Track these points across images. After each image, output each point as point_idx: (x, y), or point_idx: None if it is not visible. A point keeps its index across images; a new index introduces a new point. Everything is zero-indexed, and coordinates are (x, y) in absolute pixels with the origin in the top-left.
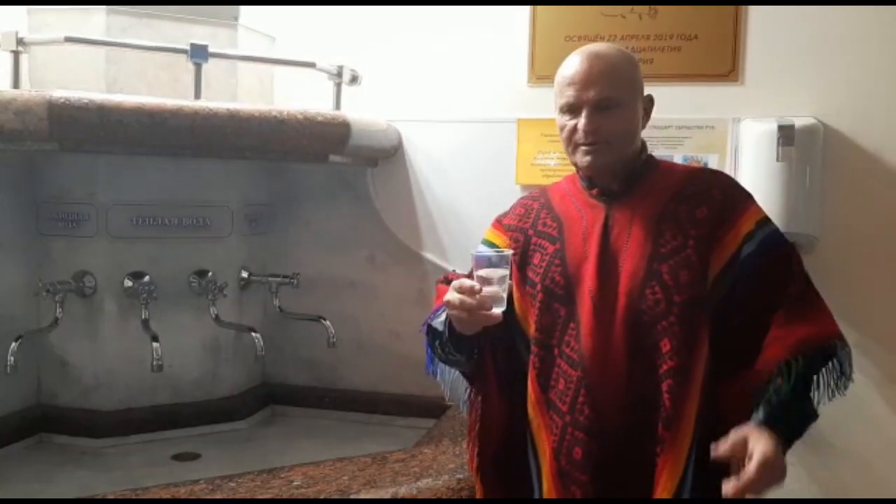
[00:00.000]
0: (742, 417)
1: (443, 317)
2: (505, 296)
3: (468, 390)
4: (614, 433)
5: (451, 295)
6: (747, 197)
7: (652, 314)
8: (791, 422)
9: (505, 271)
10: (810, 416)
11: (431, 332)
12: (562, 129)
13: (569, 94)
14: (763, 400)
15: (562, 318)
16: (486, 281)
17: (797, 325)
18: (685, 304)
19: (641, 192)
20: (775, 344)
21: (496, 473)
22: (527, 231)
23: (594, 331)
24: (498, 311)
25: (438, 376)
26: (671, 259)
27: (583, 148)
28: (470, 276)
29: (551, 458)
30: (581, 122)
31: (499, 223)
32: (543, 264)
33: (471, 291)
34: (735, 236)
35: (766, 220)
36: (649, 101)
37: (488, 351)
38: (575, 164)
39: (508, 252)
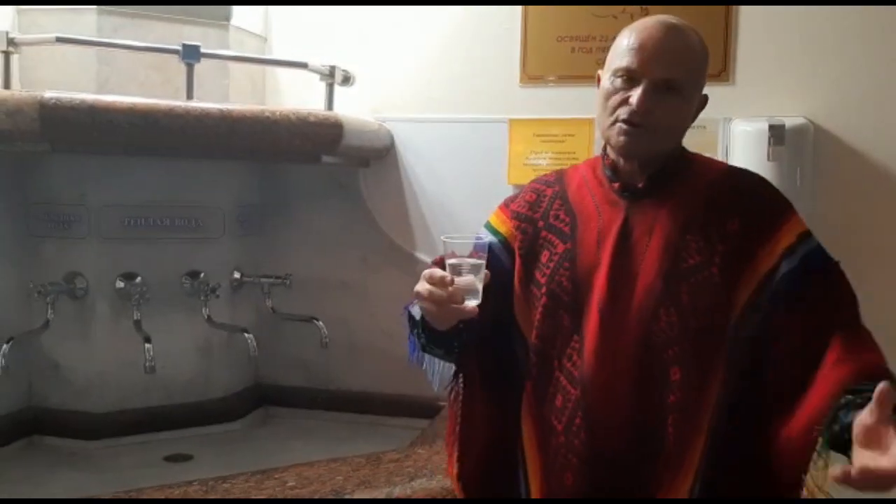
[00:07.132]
0: (799, 460)
1: None
2: (481, 287)
3: (450, 386)
4: (610, 463)
5: (421, 285)
6: (788, 206)
7: (664, 337)
8: None
9: (480, 260)
10: None
11: (411, 318)
12: (608, 95)
13: (631, 60)
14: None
15: (565, 327)
16: (456, 270)
17: (862, 350)
18: (701, 331)
19: (669, 192)
20: (840, 366)
21: (482, 486)
22: (536, 222)
23: (599, 348)
24: (472, 304)
25: (425, 365)
26: (692, 277)
27: (623, 126)
28: (442, 265)
29: (541, 479)
30: (635, 95)
31: (506, 207)
32: (551, 265)
33: (441, 282)
34: (773, 251)
35: (808, 234)
36: (704, 101)
37: (474, 348)
38: (606, 140)
39: (485, 240)
